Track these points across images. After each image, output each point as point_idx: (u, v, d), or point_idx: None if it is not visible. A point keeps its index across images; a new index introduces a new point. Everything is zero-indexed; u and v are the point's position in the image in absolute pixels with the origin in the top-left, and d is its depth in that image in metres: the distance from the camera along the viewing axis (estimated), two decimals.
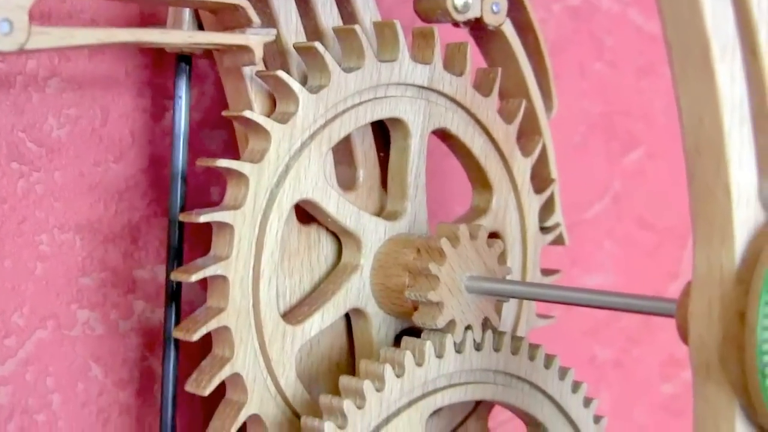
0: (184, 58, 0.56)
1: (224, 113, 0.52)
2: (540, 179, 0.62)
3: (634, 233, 0.79)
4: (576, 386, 0.59)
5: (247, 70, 0.52)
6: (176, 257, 0.55)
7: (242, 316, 0.51)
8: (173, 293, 0.55)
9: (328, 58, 0.52)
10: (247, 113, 0.50)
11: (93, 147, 0.56)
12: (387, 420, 0.51)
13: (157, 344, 0.58)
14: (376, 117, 0.55)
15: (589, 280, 0.77)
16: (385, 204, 0.57)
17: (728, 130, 0.42)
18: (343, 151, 0.57)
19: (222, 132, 0.60)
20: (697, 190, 0.43)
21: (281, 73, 0.51)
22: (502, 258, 0.55)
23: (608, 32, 0.77)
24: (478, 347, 0.54)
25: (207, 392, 0.51)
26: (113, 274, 0.57)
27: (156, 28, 0.51)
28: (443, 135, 0.58)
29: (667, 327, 0.79)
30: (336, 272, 0.55)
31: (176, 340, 0.55)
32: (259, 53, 0.51)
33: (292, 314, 0.54)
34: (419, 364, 0.52)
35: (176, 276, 0.50)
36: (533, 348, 0.57)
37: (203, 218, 0.50)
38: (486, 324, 0.55)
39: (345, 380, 0.51)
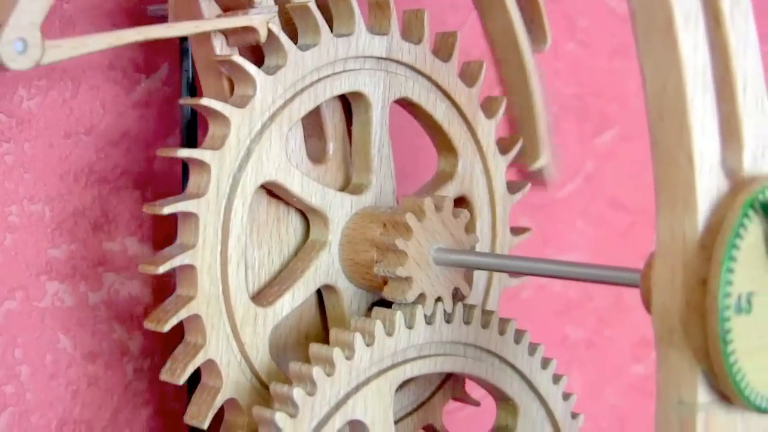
0: None
1: (182, 101, 0.52)
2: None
3: (607, 214, 0.79)
4: (545, 362, 0.59)
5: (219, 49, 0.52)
6: None
7: (212, 303, 0.51)
8: None
9: (283, 38, 0.52)
10: (204, 101, 0.50)
11: (63, 119, 0.56)
12: (356, 388, 0.51)
13: (126, 317, 0.58)
14: (336, 92, 0.55)
15: (562, 259, 0.77)
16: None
17: (691, 98, 0.42)
18: (314, 125, 0.57)
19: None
20: (660, 158, 0.43)
21: (236, 57, 0.51)
22: (470, 226, 0.56)
23: (581, 13, 0.78)
24: (448, 319, 0.55)
25: (182, 381, 0.51)
26: (83, 246, 0.57)
27: (160, 24, 0.51)
28: (405, 104, 0.58)
29: (639, 308, 0.79)
30: (304, 249, 0.55)
31: None
32: (263, 32, 0.51)
33: (263, 295, 0.54)
34: (389, 334, 0.52)
35: (143, 268, 0.50)
36: (504, 322, 0.57)
37: (167, 210, 0.50)
38: (456, 294, 0.55)
39: (315, 348, 0.51)
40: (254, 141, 0.52)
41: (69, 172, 0.56)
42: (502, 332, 0.57)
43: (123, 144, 0.58)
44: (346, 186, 0.57)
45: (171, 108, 0.59)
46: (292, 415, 0.49)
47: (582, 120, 0.78)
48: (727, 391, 0.43)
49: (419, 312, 0.53)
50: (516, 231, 0.63)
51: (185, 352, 0.52)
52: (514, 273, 0.51)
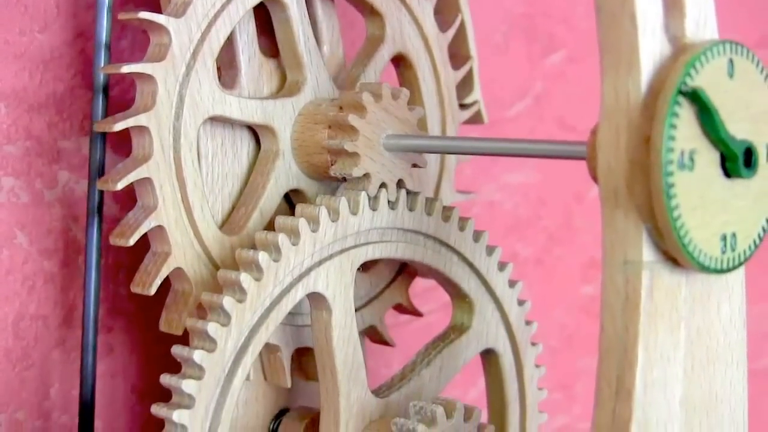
0: None
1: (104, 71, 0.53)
2: (458, 57, 0.63)
3: (555, 134, 0.80)
4: (502, 266, 0.61)
5: None
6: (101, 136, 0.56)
7: (188, 252, 0.53)
8: (98, 167, 0.55)
9: None
10: (125, 68, 0.51)
11: (18, 16, 0.57)
12: (320, 262, 0.53)
13: (82, 215, 0.59)
14: (249, 6, 0.55)
15: (511, 177, 0.79)
16: None
17: None
18: (265, 21, 0.57)
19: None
20: (605, 21, 0.44)
21: (143, 14, 0.51)
22: (414, 98, 0.56)
23: None
24: (410, 207, 0.56)
25: (181, 331, 0.53)
26: (38, 144, 0.57)
27: None
28: None
29: (588, 229, 0.81)
30: (260, 162, 0.56)
31: (100, 212, 0.55)
32: None
33: (233, 221, 0.55)
34: (354, 213, 0.54)
35: (115, 241, 0.52)
36: (463, 220, 0.58)
37: (120, 185, 0.51)
38: (416, 165, 0.56)
39: (281, 219, 0.53)
40: (183, 85, 0.52)
41: (24, 69, 0.57)
42: (461, 228, 0.58)
43: (77, 44, 0.58)
44: None
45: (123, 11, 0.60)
46: (257, 279, 0.50)
47: (531, 41, 0.79)
48: (672, 249, 0.44)
49: (383, 195, 0.55)
50: (456, 65, 0.63)
51: (176, 302, 0.53)
52: (465, 154, 0.52)
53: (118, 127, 0.51)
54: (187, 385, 0.49)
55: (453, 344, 0.59)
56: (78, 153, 0.59)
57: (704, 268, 0.45)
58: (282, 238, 0.51)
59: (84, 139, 0.59)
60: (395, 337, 0.64)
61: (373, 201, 0.54)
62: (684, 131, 0.43)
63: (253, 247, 0.52)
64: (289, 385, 0.56)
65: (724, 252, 0.46)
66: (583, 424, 0.83)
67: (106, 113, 0.56)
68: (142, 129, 0.51)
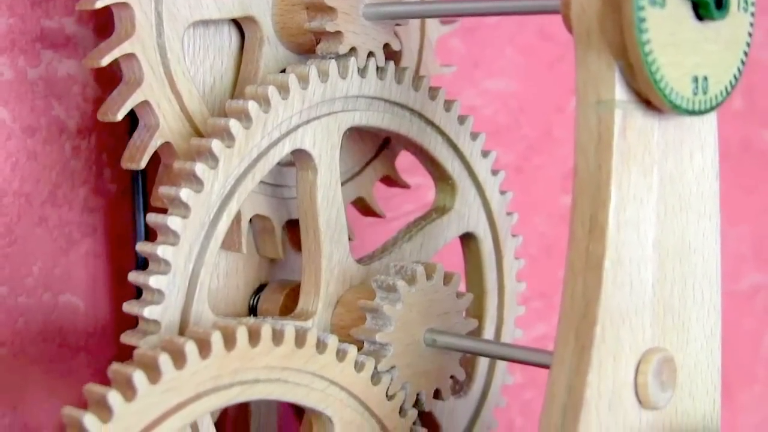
0: None
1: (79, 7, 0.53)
2: None
3: (536, 44, 0.81)
4: (486, 153, 0.61)
5: None
6: None
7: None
8: None
9: None
10: (99, 3, 0.51)
11: None
12: (307, 121, 0.53)
13: (65, 94, 0.59)
14: None
15: (491, 83, 0.79)
16: None
17: None
18: None
19: None
20: None
21: None
22: None
23: None
24: (398, 80, 0.56)
25: None
26: (21, 21, 0.58)
27: None
28: None
29: (568, 140, 0.81)
30: (246, 52, 0.57)
31: None
32: None
33: None
34: (343, 77, 0.54)
35: (126, 165, 0.53)
36: (450, 101, 0.59)
37: (120, 115, 0.52)
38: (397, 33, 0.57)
39: (272, 76, 0.53)
40: (158, 2, 0.53)
41: None
42: (447, 109, 0.59)
43: None
44: None
45: None
46: (246, 127, 0.51)
47: None
48: (644, 85, 0.45)
49: (372, 64, 0.55)
50: None
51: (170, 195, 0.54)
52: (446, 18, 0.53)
53: (106, 61, 0.52)
54: (173, 222, 0.49)
55: (434, 223, 0.60)
56: (61, 33, 0.59)
57: (675, 107, 0.46)
58: (272, 90, 0.52)
59: (67, 19, 0.59)
60: (371, 238, 0.64)
61: (363, 69, 0.55)
62: None
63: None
64: (282, 256, 0.57)
65: (695, 94, 0.46)
66: None
67: None
68: (129, 56, 0.52)
